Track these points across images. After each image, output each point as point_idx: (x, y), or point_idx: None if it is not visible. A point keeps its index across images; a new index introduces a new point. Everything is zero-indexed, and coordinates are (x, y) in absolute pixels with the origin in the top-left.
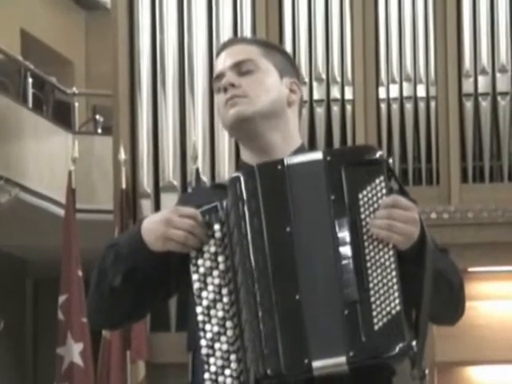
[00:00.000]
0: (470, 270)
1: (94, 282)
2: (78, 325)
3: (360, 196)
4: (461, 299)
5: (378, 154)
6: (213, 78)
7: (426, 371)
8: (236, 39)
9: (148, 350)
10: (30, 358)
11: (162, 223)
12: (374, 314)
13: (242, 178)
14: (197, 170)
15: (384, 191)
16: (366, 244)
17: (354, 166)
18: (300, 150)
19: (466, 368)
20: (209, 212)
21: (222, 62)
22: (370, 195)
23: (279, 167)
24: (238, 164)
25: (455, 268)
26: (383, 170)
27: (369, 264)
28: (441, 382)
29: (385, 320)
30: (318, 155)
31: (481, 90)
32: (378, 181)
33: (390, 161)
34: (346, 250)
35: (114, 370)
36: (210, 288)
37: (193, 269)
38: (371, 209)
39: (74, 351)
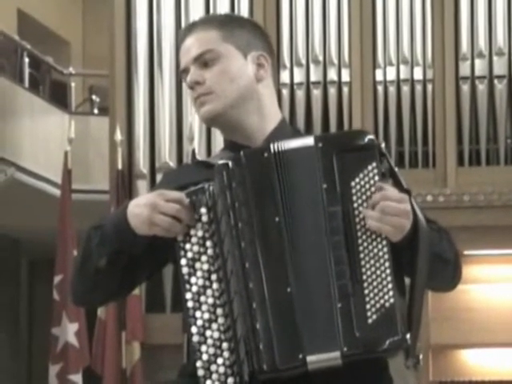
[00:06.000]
0: (466, 253)
1: (79, 261)
2: (73, 305)
3: (352, 184)
4: (457, 271)
5: (369, 139)
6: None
7: (420, 357)
8: (194, 24)
9: (143, 330)
10: (25, 338)
11: (147, 207)
12: (368, 307)
13: (228, 166)
14: (193, 151)
15: (376, 178)
16: (359, 234)
17: (345, 153)
18: (279, 129)
19: (461, 351)
20: (195, 194)
21: (185, 54)
22: (362, 183)
23: (266, 155)
24: (224, 143)
25: (450, 243)
26: (375, 156)
27: (362, 255)
28: (435, 364)
29: (378, 313)
30: (309, 141)
31: (478, 73)
32: (370, 167)
33: (383, 145)
34: (338, 241)
35: (108, 350)
36: (199, 274)
37: (181, 253)
38: (364, 197)
39: (69, 331)
